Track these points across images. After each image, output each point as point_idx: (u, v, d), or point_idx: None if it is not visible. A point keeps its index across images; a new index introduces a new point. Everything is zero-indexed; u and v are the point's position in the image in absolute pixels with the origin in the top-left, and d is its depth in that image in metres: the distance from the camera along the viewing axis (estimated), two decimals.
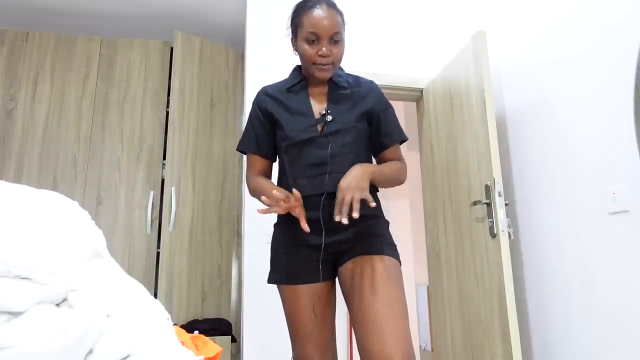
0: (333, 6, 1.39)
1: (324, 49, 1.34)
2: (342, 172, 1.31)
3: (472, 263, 2.30)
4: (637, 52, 1.78)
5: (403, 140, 1.52)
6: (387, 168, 1.43)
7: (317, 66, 1.37)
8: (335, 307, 1.45)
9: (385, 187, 1.45)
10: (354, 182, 1.23)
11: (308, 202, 1.33)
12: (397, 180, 1.46)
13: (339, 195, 1.22)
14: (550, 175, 2.25)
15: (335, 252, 1.37)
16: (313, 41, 1.36)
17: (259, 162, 1.49)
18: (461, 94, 2.46)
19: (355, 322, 1.26)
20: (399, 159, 1.51)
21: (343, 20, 1.40)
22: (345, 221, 1.20)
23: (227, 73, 3.13)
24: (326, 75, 1.39)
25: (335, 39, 1.37)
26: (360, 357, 1.23)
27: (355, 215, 1.18)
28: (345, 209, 1.19)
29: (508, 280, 2.03)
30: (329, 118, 1.38)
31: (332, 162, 1.35)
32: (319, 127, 1.38)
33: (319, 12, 1.35)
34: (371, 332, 1.20)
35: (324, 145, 1.36)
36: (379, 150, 1.50)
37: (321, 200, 1.33)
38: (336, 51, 1.37)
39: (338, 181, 1.28)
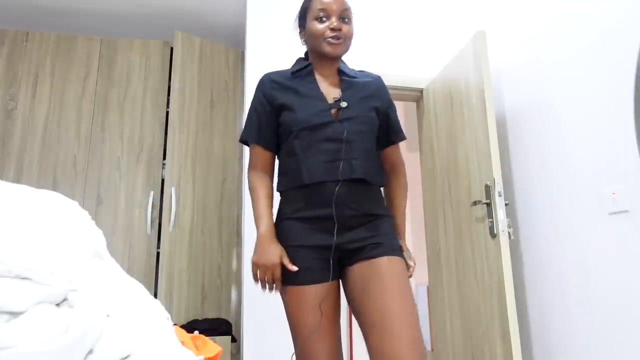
0: None
1: (334, 22, 1.36)
2: (357, 158, 1.33)
3: (472, 263, 2.30)
4: (637, 52, 1.78)
5: (404, 138, 1.55)
6: (402, 208, 1.51)
7: (328, 41, 1.37)
8: (340, 308, 1.43)
9: None
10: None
11: (321, 190, 1.31)
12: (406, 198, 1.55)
13: None
14: (550, 175, 2.25)
15: (343, 250, 1.34)
16: (323, 18, 1.38)
17: (262, 155, 1.45)
18: (461, 94, 2.45)
19: (366, 324, 1.25)
20: (399, 158, 1.55)
21: (350, 7, 1.43)
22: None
23: (227, 73, 3.13)
24: (337, 50, 1.38)
25: (345, 17, 1.39)
26: (371, 359, 1.22)
27: None
28: None
29: (508, 280, 2.03)
30: (344, 104, 1.36)
31: (347, 148, 1.33)
32: (333, 112, 1.37)
33: None
34: (386, 336, 1.18)
35: (339, 131, 1.34)
36: (385, 145, 1.50)
37: (335, 188, 1.31)
38: (346, 28, 1.39)
39: (352, 168, 1.30)
